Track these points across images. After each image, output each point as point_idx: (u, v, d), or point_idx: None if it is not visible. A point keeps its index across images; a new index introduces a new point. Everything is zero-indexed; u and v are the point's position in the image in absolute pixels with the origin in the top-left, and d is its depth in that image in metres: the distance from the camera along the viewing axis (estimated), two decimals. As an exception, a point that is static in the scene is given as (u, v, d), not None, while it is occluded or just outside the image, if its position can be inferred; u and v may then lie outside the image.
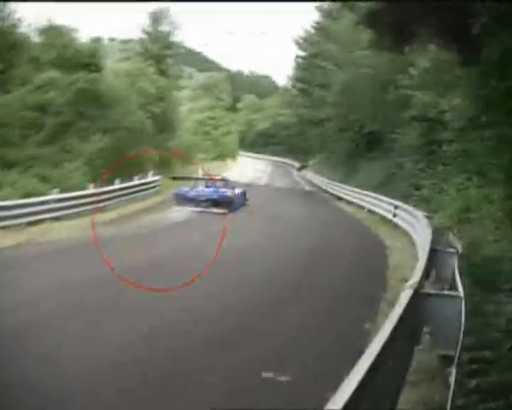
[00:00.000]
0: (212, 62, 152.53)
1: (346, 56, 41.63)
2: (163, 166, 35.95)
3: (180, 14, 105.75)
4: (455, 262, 10.15)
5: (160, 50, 48.30)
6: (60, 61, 29.51)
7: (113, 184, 24.28)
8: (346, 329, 8.82)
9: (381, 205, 24.63)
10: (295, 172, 70.07)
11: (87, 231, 17.45)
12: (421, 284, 7.25)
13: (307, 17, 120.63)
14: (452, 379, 5.89)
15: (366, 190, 28.59)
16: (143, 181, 28.90)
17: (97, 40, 33.48)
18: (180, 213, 23.18)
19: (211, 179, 28.26)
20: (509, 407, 5.74)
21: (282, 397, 6.11)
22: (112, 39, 65.92)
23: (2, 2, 28.54)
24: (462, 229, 15.86)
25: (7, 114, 25.20)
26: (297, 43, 69.21)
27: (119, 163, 26.38)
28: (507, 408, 5.75)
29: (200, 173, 44.29)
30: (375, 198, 26.15)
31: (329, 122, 47.19)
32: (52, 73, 28.31)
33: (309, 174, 59.07)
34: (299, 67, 70.95)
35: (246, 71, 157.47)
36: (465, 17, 13.22)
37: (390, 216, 22.53)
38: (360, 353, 3.97)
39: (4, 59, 27.68)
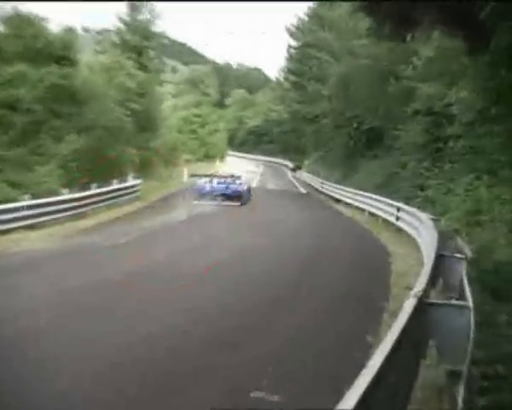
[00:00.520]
0: (197, 54, 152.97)
1: (343, 46, 41.90)
2: (144, 168, 35.91)
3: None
4: (463, 269, 10.15)
5: (139, 42, 48.01)
6: (29, 53, 28.54)
7: (89, 188, 24.16)
8: (347, 341, 8.83)
9: (383, 207, 24.64)
10: (289, 173, 70.17)
11: (64, 240, 17.42)
12: (426, 293, 7.25)
13: (300, 4, 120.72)
14: (460, 397, 5.89)
15: (366, 191, 28.61)
16: (123, 185, 28.84)
17: (70, 30, 32.83)
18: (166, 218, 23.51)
19: (223, 177, 34.91)
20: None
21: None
22: (86, 30, 65.67)
23: None
24: (471, 232, 15.88)
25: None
26: (289, 32, 69.35)
27: (96, 166, 26.26)
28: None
29: (184, 175, 44.47)
30: (377, 200, 26.16)
31: (325, 118, 47.38)
32: (20, 67, 27.32)
33: (304, 175, 59.18)
34: (291, 58, 71.10)
35: (234, 63, 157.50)
36: (472, 0, 13.18)
37: (393, 219, 22.56)
38: (361, 366, 3.96)
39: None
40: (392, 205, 23.13)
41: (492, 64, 14.92)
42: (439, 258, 10.48)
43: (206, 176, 35.19)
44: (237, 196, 31.48)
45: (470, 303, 7.44)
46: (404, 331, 5.03)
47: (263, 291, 11.80)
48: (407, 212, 20.47)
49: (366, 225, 24.70)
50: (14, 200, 19.28)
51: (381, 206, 25.22)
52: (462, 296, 8.66)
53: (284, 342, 8.66)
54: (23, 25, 29.35)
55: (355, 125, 38.32)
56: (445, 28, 17.59)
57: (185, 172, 46.48)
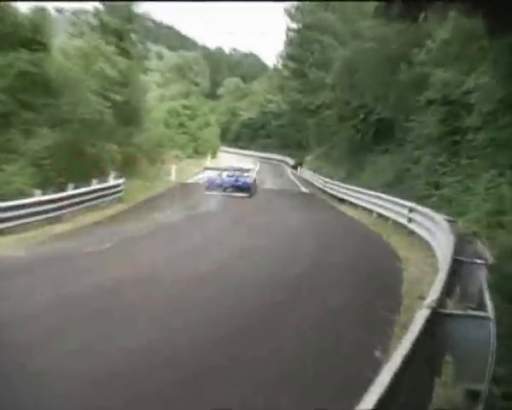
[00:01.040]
0: (185, 39, 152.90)
1: (348, 28, 41.88)
2: (127, 166, 35.80)
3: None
4: (483, 276, 10.11)
5: (120, 24, 47.78)
6: (-6, 37, 28.47)
7: (65, 189, 23.99)
8: (353, 357, 8.78)
9: (393, 208, 24.63)
10: (289, 171, 70.15)
11: (37, 247, 17.32)
12: (441, 303, 7.21)
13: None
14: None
15: (374, 190, 28.59)
16: (104, 185, 28.71)
17: (41, 11, 32.59)
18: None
19: (232, 169, 41.40)
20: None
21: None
22: (60, 10, 65.20)
23: None
24: (492, 235, 15.82)
25: None
26: (288, 13, 69.24)
27: (72, 164, 26.13)
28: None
29: (172, 174, 44.46)
30: (386, 200, 26.14)
31: (329, 109, 47.43)
32: (-17, 52, 26.89)
33: (305, 173, 59.18)
34: (291, 42, 71.09)
35: (227, 48, 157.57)
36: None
37: (404, 221, 22.54)
38: (368, 385, 3.92)
39: None
40: (403, 205, 23.10)
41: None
42: (456, 264, 10.44)
43: (218, 169, 42.43)
44: (246, 188, 37.36)
45: (491, 314, 7.39)
46: (416, 346, 4.98)
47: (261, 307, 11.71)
48: (420, 213, 20.45)
49: (374, 228, 24.66)
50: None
51: (390, 206, 25.20)
52: (481, 306, 8.61)
53: (284, 362, 8.61)
54: (-14, 5, 29.09)
55: (362, 117, 38.34)
56: (462, 6, 17.54)
57: (173, 169, 46.49)
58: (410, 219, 21.84)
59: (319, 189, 45.46)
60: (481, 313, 7.67)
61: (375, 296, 12.79)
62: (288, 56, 72.12)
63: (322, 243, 20.37)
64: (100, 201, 27.44)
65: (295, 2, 67.58)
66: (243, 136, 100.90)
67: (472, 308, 9.15)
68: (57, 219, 22.16)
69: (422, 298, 8.15)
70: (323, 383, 7.91)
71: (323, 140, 53.88)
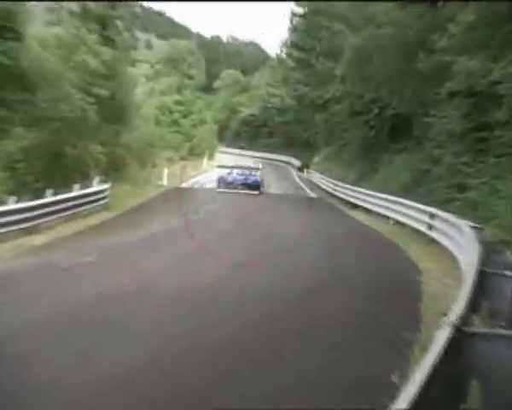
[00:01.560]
0: (177, 26, 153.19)
1: (360, 12, 41.75)
2: (114, 169, 35.76)
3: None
4: (514, 289, 10.07)
5: (104, 10, 47.60)
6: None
7: (43, 196, 23.93)
8: (367, 382, 8.74)
9: (412, 214, 24.58)
10: (295, 173, 70.25)
11: (12, 260, 17.27)
12: (466, 320, 7.15)
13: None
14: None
15: (391, 194, 28.55)
16: (87, 191, 28.63)
17: (15, -5, 32.49)
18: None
19: (242, 168, 48.79)
20: None
21: None
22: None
23: None
24: (523, 243, 15.77)
25: None
26: (293, -4, 69.27)
27: (51, 167, 26.09)
28: None
29: (164, 177, 44.48)
30: (404, 205, 26.10)
31: (339, 103, 47.39)
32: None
33: (313, 175, 59.25)
34: (295, 28, 71.14)
35: (224, 37, 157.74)
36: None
37: (424, 229, 22.48)
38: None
39: None
40: (422, 211, 23.05)
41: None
42: (483, 276, 10.38)
43: (230, 167, 49.42)
44: (256, 186, 44.10)
45: (523, 332, 7.34)
46: (438, 369, 4.92)
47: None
48: (442, 219, 20.39)
49: (390, 237, 24.59)
50: None
51: (409, 212, 25.15)
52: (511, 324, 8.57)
53: (293, 387, 8.59)
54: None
55: (376, 112, 38.32)
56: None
57: (165, 173, 46.47)
58: (430, 227, 21.77)
59: (328, 193, 45.48)
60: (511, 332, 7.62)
61: (390, 313, 12.72)
62: (293, 45, 72.08)
63: (332, 255, 20.28)
64: (82, 208, 27.33)
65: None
66: (243, 134, 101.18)
67: (501, 326, 9.10)
68: (34, 230, 22.05)
69: (445, 315, 8.10)
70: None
71: (333, 138, 53.93)
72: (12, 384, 8.29)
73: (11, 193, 22.39)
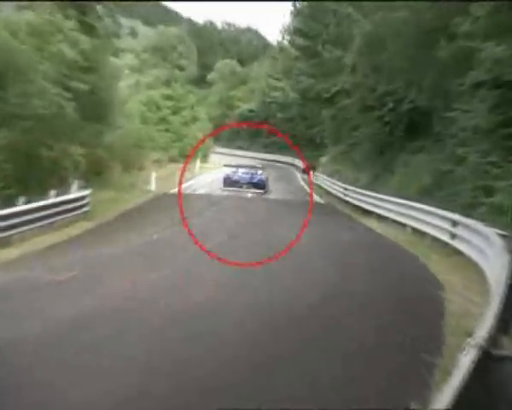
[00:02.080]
0: (166, 10, 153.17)
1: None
2: (95, 173, 35.76)
3: None
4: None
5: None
6: None
7: (15, 203, 23.87)
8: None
9: (432, 221, 24.56)
10: (299, 176, 70.27)
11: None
12: (494, 342, 7.12)
13: None
14: None
15: (408, 198, 28.52)
16: (64, 198, 28.58)
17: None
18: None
19: (246, 167, 55.29)
20: None
21: None
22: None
23: None
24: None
25: None
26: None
27: (24, 171, 26.05)
28: None
29: (152, 182, 44.47)
30: (423, 211, 26.07)
31: (348, 97, 47.36)
32: None
33: (320, 178, 59.27)
34: (299, 13, 71.06)
35: (219, 23, 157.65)
36: None
37: (446, 238, 22.46)
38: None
39: None
40: (444, 217, 23.03)
41: None
42: (514, 291, 10.36)
43: (236, 166, 55.32)
44: (261, 185, 50.07)
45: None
46: (462, 396, 4.89)
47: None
48: (467, 226, 20.38)
49: (408, 247, 24.52)
50: None
51: (429, 219, 25.13)
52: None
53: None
54: None
55: (390, 106, 38.29)
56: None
57: (153, 177, 46.42)
58: (453, 235, 21.76)
59: (338, 198, 45.45)
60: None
61: (408, 334, 12.69)
62: (296, 31, 71.84)
63: (342, 268, 20.16)
64: (60, 218, 27.34)
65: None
66: (241, 133, 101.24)
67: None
68: (5, 242, 22.05)
69: (470, 335, 8.07)
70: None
71: (342, 137, 53.94)
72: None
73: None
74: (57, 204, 27.34)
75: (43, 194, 26.37)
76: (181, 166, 63.86)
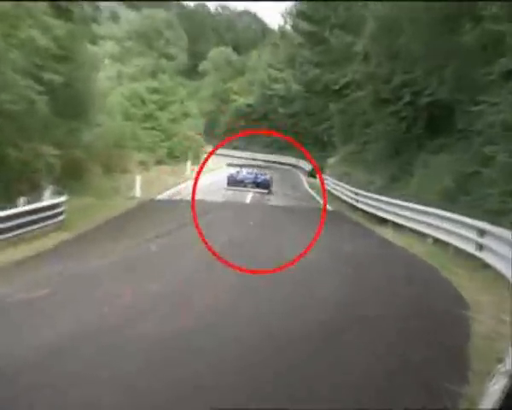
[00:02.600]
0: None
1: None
2: (72, 177, 35.69)
3: None
4: None
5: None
6: None
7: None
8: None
9: (456, 230, 24.55)
10: (304, 179, 70.32)
11: None
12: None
13: None
14: None
15: (428, 204, 28.48)
16: (36, 206, 28.50)
17: None
18: None
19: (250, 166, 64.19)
20: None
21: None
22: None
23: None
24: None
25: None
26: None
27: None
28: None
29: (137, 187, 44.43)
30: (445, 218, 26.05)
31: (360, 89, 47.32)
32: None
33: (328, 181, 59.29)
34: (303, -7, 71.09)
35: (212, 5, 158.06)
36: None
37: (472, 249, 22.41)
38: None
39: None
40: (470, 226, 23.00)
41: None
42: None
43: (239, 166, 64.78)
44: (266, 185, 56.55)
45: None
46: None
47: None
48: (495, 236, 20.34)
49: (429, 260, 24.46)
50: None
51: (452, 228, 25.13)
52: None
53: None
54: None
55: (408, 99, 38.26)
56: None
57: (138, 181, 46.27)
58: (480, 246, 21.72)
59: (348, 204, 45.41)
60: None
61: (429, 359, 12.63)
62: (300, 14, 71.84)
63: (353, 286, 20.07)
64: (31, 228, 27.28)
65: None
66: (238, 131, 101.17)
67: None
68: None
69: (500, 361, 8.03)
70: None
71: (352, 134, 53.99)
72: None
73: None
74: (28, 213, 27.25)
75: (11, 201, 26.30)
76: (169, 169, 63.96)
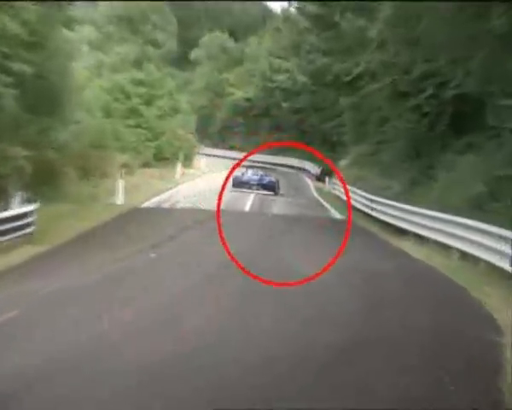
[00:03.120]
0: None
1: None
2: (44, 182, 35.63)
3: None
4: None
5: None
6: None
7: None
8: None
9: (486, 243, 24.41)
10: (312, 185, 70.49)
11: None
12: None
13: None
14: None
15: (454, 212, 28.35)
16: (2, 215, 28.40)
17: None
18: None
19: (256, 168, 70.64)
20: None
21: None
22: None
23: None
24: None
25: None
26: None
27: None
28: None
29: (119, 194, 44.34)
30: (474, 229, 25.92)
31: (375, 81, 47.25)
32: None
33: (337, 186, 59.39)
34: (310, -28, 71.13)
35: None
36: None
37: (505, 264, 22.29)
38: None
39: None
40: (501, 237, 22.89)
41: None
42: None
43: (244, 166, 69.89)
44: (272, 187, 62.69)
45: None
46: None
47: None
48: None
49: (454, 277, 24.41)
50: None
51: (481, 239, 24.98)
52: None
53: None
54: None
55: (430, 92, 38.17)
56: None
57: (120, 186, 46.14)
58: (515, 261, 21.63)
59: (361, 212, 45.33)
60: None
61: (459, 393, 12.49)
62: (306, -5, 71.99)
63: (369, 309, 19.94)
64: (-2, 240, 27.22)
65: None
66: (236, 129, 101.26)
67: None
68: None
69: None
70: None
71: (366, 133, 53.93)
72: None
73: None
74: (-7, 223, 27.22)
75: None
76: (157, 172, 64.01)
